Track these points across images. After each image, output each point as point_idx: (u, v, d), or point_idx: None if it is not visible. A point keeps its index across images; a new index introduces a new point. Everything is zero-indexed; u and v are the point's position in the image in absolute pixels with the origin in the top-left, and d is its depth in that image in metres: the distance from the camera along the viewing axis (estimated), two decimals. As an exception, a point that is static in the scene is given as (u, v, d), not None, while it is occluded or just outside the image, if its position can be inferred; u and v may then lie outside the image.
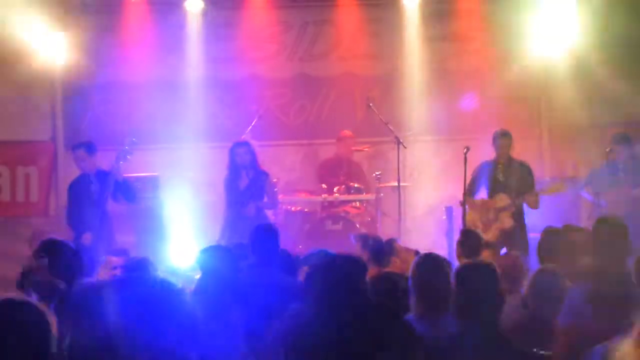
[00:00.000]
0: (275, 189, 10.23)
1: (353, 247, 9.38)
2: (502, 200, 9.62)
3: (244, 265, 6.10)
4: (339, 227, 10.51)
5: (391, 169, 11.07)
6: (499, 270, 5.83)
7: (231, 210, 9.63)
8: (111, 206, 9.20)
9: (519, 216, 9.64)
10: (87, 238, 8.84)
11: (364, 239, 7.33)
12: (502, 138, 9.69)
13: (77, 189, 9.19)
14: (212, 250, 5.92)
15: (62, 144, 11.63)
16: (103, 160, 9.38)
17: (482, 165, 9.78)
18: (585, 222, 9.21)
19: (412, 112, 11.62)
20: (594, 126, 11.40)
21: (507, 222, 9.53)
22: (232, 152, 9.72)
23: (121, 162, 9.18)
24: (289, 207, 10.94)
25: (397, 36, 11.72)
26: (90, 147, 9.31)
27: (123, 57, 11.34)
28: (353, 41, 11.81)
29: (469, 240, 6.99)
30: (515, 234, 9.49)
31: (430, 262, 4.77)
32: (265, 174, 9.76)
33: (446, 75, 11.73)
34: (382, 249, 7.12)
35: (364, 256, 7.05)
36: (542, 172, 11.39)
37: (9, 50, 11.32)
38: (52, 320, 3.26)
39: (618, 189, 9.63)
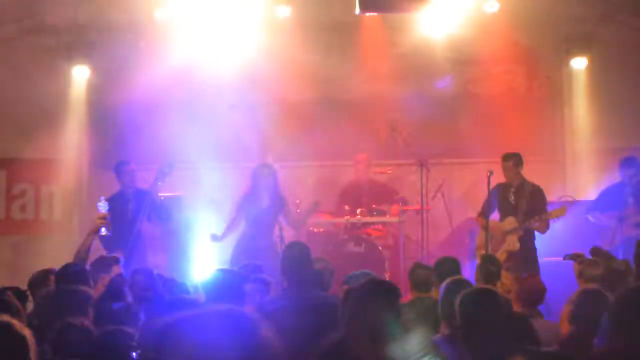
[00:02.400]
0: (298, 210, 10.21)
1: (379, 270, 9.37)
2: (510, 223, 9.64)
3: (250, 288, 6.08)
4: (361, 249, 10.48)
5: (414, 192, 11.06)
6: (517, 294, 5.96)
7: (248, 228, 9.59)
8: (145, 226, 9.22)
9: (527, 239, 9.60)
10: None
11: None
12: (502, 162, 9.72)
13: (113, 205, 9.11)
14: (217, 276, 5.88)
15: (87, 163, 11.70)
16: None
17: (496, 187, 9.80)
18: (609, 245, 9.17)
19: (435, 135, 11.60)
20: (614, 150, 11.42)
21: (514, 245, 9.52)
22: (256, 173, 9.73)
23: (160, 183, 9.20)
24: (311, 228, 10.91)
25: (421, 59, 11.72)
26: (135, 165, 9.39)
27: (149, 77, 11.34)
28: (377, 63, 11.80)
29: (482, 267, 7.01)
30: (522, 257, 9.40)
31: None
32: (284, 199, 9.76)
33: (470, 97, 11.71)
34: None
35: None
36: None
37: (35, 69, 11.46)
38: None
39: (625, 212, 9.63)
